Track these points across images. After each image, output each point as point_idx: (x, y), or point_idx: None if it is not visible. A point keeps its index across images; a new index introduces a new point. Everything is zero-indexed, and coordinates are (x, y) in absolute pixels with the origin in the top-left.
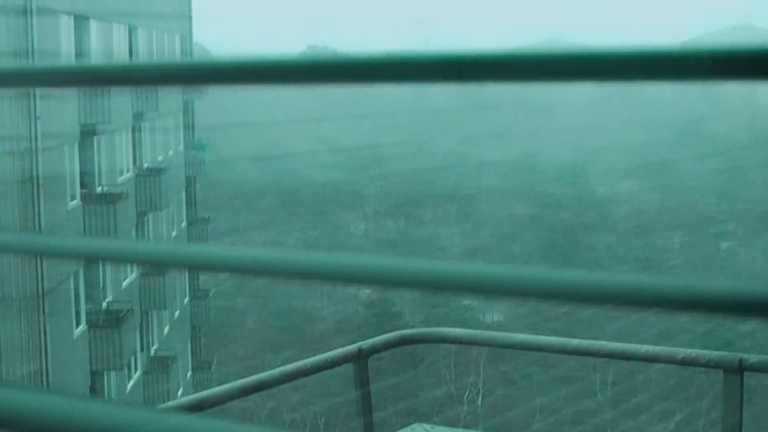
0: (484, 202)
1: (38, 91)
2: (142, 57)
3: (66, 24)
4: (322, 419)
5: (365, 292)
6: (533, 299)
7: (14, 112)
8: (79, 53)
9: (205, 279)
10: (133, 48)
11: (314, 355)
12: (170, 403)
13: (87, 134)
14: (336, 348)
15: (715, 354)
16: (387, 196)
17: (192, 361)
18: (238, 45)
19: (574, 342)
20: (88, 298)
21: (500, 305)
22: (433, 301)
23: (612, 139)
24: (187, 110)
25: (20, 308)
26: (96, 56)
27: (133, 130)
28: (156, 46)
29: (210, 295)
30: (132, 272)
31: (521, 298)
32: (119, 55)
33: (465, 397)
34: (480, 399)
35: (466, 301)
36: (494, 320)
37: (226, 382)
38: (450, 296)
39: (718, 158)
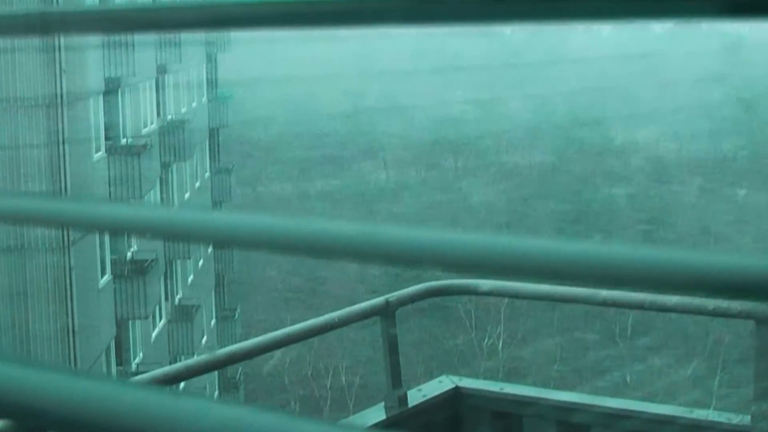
0: (503, 151)
1: (63, 43)
2: None
3: None
4: (344, 369)
5: None
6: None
7: (40, 65)
8: None
9: None
10: None
11: (337, 303)
12: (198, 358)
13: (111, 87)
14: (358, 298)
15: (748, 304)
16: (407, 147)
17: (216, 309)
18: None
19: (603, 293)
20: (113, 248)
21: None
22: None
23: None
24: (211, 63)
25: (46, 260)
26: None
27: (157, 83)
28: None
29: None
30: None
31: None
32: None
33: (487, 347)
34: (501, 348)
35: None
36: None
37: (249, 330)
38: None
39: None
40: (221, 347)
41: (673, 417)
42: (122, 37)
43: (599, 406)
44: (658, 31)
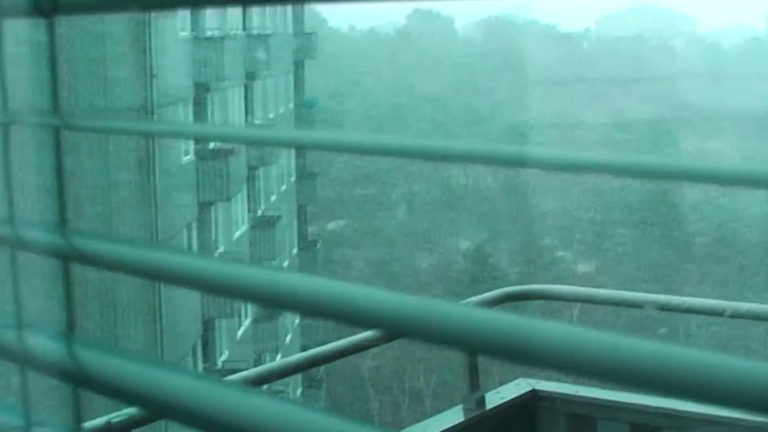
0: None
1: (154, 47)
2: None
3: None
4: (422, 370)
5: (465, 244)
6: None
7: (132, 71)
8: None
9: (313, 230)
10: None
11: None
12: (282, 360)
13: (200, 92)
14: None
15: None
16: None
17: None
18: None
19: (676, 299)
20: (201, 248)
21: (592, 257)
22: (528, 254)
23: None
24: (299, 70)
25: None
26: None
27: (245, 88)
28: None
29: (318, 246)
30: (243, 224)
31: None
32: None
33: None
34: None
35: (560, 253)
36: (586, 271)
37: (329, 329)
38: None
39: None
40: (303, 347)
41: (737, 419)
42: (212, 44)
43: (670, 409)
44: (727, 47)
